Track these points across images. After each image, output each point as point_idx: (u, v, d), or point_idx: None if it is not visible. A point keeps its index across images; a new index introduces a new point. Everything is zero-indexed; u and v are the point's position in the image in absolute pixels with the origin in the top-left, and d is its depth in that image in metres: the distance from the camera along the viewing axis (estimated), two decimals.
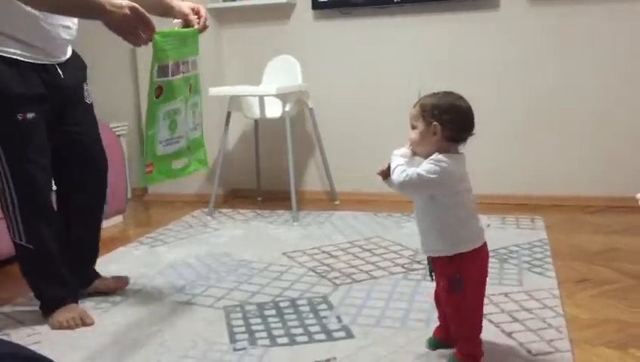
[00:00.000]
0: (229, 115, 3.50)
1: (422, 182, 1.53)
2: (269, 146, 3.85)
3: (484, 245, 1.63)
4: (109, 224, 3.34)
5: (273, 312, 2.10)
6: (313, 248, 2.80)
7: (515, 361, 1.70)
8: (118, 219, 3.44)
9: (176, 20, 2.00)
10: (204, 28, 2.03)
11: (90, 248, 2.31)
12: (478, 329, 1.67)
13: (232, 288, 2.34)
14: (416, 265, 2.50)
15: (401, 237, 2.89)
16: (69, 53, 2.04)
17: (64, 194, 2.20)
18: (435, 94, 1.62)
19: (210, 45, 3.80)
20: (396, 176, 1.56)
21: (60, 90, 1.98)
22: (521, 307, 2.05)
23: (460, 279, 1.58)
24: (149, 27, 1.73)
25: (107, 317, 2.12)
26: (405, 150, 1.62)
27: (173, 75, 1.84)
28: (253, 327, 1.98)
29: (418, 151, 1.61)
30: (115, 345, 1.90)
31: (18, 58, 1.85)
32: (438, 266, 1.66)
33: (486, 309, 2.01)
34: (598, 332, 1.87)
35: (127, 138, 4.05)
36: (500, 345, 1.79)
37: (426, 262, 2.31)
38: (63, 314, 2.06)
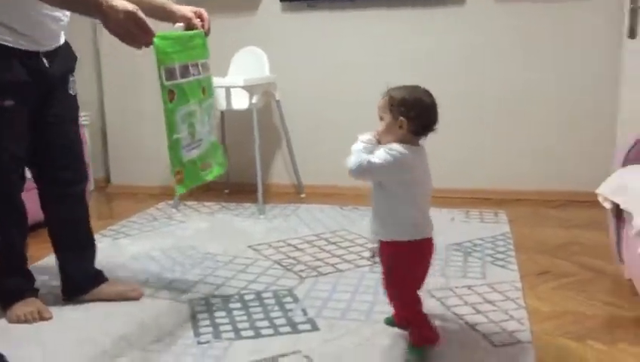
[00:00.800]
0: None
1: (372, 168, 1.60)
2: (235, 138, 3.81)
3: (426, 241, 1.69)
4: None
5: (238, 305, 2.08)
6: (279, 241, 2.79)
7: (479, 353, 1.73)
8: None
9: (177, 24, 1.97)
10: (208, 31, 2.00)
11: (81, 241, 2.17)
12: (422, 314, 1.74)
13: (197, 281, 2.31)
14: None
15: (367, 231, 2.90)
16: (61, 42, 1.98)
17: (43, 182, 2.10)
18: (403, 88, 1.69)
19: None
20: (350, 160, 1.62)
21: (45, 79, 1.92)
22: (484, 299, 2.08)
23: (391, 259, 1.69)
24: (147, 32, 1.67)
25: (67, 312, 2.07)
26: (370, 137, 1.67)
27: (182, 78, 1.82)
28: (218, 321, 1.96)
29: (383, 141, 1.66)
30: (74, 340, 1.86)
31: (7, 44, 1.79)
32: (380, 251, 1.74)
33: (450, 301, 2.05)
34: (558, 324, 1.91)
35: (90, 128, 3.96)
36: (463, 337, 1.81)
37: None
38: (21, 308, 2.01)
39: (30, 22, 1.81)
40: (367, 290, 2.18)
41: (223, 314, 2.02)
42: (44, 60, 1.90)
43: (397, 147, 1.61)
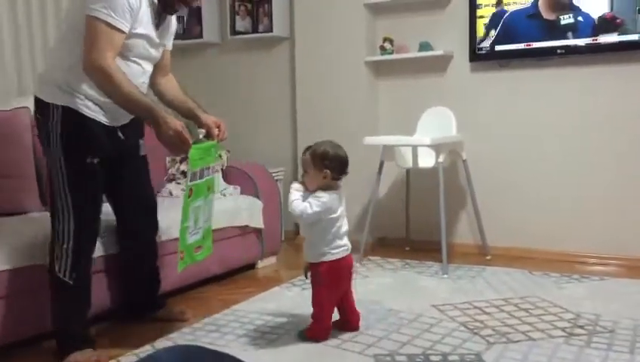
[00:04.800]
0: (381, 163, 3.55)
1: (312, 216, 2.20)
2: (419, 196, 3.84)
3: (341, 259, 2.28)
4: (265, 264, 3.51)
5: None
6: (464, 302, 2.72)
7: None
8: (272, 259, 3.60)
9: (200, 130, 2.39)
10: (222, 140, 2.36)
11: (147, 275, 2.60)
12: (324, 323, 2.28)
13: (382, 337, 2.33)
14: (578, 330, 2.32)
15: (561, 299, 2.72)
16: (130, 117, 2.31)
17: (122, 228, 2.51)
18: (322, 143, 2.26)
19: (366, 96, 3.92)
20: (293, 209, 2.21)
21: (121, 146, 2.32)
22: None
23: (318, 276, 2.27)
24: (187, 145, 2.09)
25: (261, 354, 2.20)
26: (299, 185, 2.28)
27: (200, 179, 2.23)
28: None
29: (310, 188, 2.25)
30: None
31: (95, 119, 2.19)
32: (311, 270, 2.32)
33: None
34: None
35: (284, 182, 4.25)
36: None
37: (589, 326, 2.20)
38: (78, 356, 2.17)
39: (112, 105, 2.16)
40: None
41: None
42: (120, 133, 2.30)
43: (324, 197, 2.20)
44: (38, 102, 2.20)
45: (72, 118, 2.14)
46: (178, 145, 2.09)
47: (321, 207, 2.19)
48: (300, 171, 4.18)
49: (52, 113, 2.14)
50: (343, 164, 2.26)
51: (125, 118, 2.28)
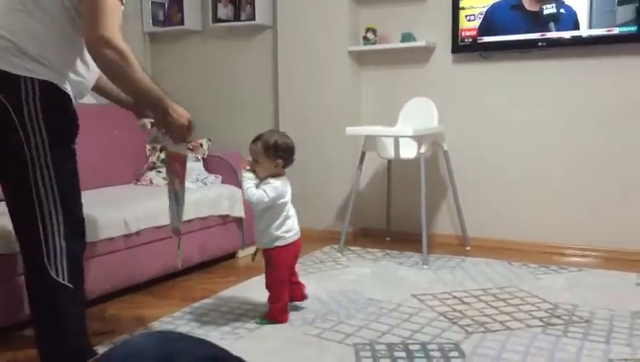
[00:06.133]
0: (363, 154, 3.55)
1: (267, 202, 2.30)
2: (401, 187, 3.85)
3: (294, 242, 2.41)
4: (245, 253, 3.50)
5: (403, 354, 2.06)
6: (444, 292, 2.74)
7: None
8: (252, 249, 3.56)
9: (145, 119, 2.23)
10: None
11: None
12: (284, 301, 2.40)
13: (362, 326, 2.34)
14: (555, 320, 2.35)
15: (538, 289, 2.75)
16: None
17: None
18: (271, 133, 2.38)
19: (348, 86, 3.91)
20: (249, 196, 2.30)
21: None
22: None
23: (272, 260, 2.39)
24: (190, 133, 2.03)
25: (241, 343, 2.19)
26: (251, 174, 2.35)
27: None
28: None
29: (261, 176, 2.35)
30: None
31: (70, 97, 1.87)
32: (266, 254, 2.42)
33: None
34: None
35: None
36: None
37: (566, 316, 2.23)
38: None
39: (83, 84, 1.93)
40: (540, 352, 2.06)
41: (389, 361, 2.01)
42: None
43: (276, 183, 2.32)
44: None
45: (53, 94, 1.79)
46: (184, 134, 1.99)
47: (275, 191, 2.31)
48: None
49: (25, 87, 1.73)
50: (292, 153, 2.38)
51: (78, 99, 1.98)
